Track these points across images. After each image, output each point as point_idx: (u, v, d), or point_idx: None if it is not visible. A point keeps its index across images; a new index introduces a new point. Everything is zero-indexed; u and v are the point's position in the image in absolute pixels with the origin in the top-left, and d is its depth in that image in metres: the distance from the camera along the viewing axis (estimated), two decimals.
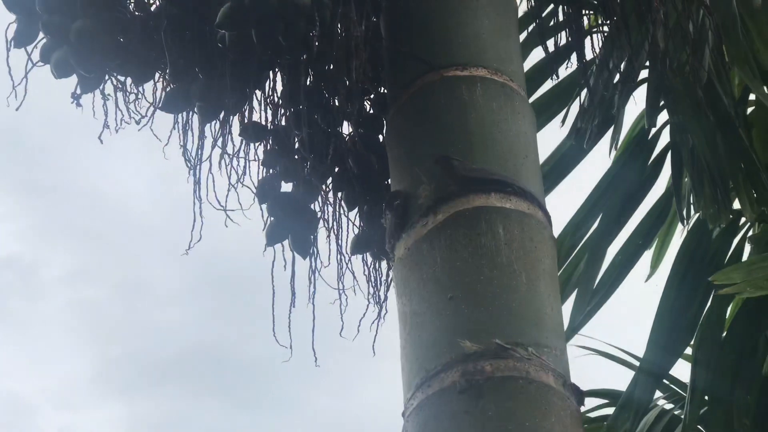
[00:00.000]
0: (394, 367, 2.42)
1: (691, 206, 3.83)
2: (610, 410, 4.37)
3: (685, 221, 3.74)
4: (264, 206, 2.77)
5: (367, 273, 2.80)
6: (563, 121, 3.85)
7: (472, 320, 2.26)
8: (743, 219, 4.08)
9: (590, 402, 4.49)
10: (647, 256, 4.49)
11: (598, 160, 4.10)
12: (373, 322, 2.78)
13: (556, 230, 2.80)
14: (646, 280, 4.42)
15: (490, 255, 2.32)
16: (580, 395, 2.30)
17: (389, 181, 2.63)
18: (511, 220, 2.37)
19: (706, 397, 4.05)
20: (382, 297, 2.79)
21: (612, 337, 4.55)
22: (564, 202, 4.22)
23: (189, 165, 2.76)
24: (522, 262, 2.33)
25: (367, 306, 2.77)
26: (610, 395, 4.46)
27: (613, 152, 3.98)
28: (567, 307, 3.99)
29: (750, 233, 4.09)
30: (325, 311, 2.84)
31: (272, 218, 2.76)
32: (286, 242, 2.78)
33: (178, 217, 2.79)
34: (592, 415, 4.48)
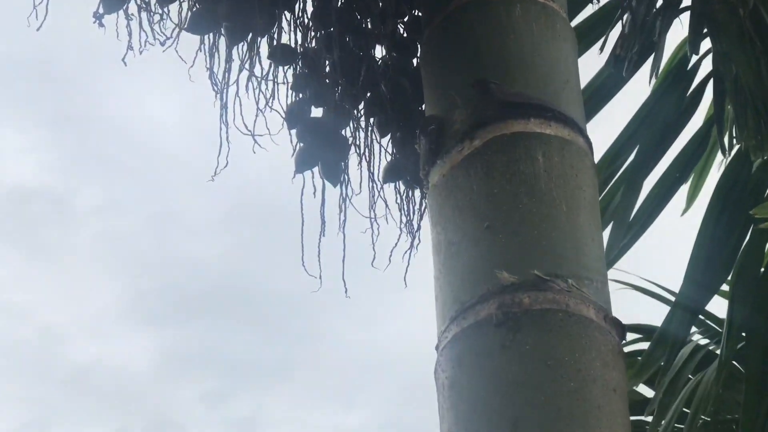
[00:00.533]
0: (424, 299, 2.34)
1: (733, 138, 3.72)
2: (644, 345, 4.30)
3: (727, 152, 3.63)
4: (293, 132, 2.67)
5: (399, 201, 2.71)
6: (602, 48, 3.73)
7: (510, 250, 2.17)
8: None
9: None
10: (683, 190, 4.39)
11: (637, 90, 3.98)
12: (405, 252, 2.69)
13: None
14: (682, 215, 4.33)
15: (529, 183, 2.22)
16: (621, 329, 2.21)
17: (423, 106, 2.53)
18: (550, 146, 2.27)
19: (743, 334, 3.98)
20: (415, 226, 2.70)
21: (648, 273, 4.47)
22: (601, 133, 4.11)
23: (215, 89, 2.66)
24: (562, 190, 2.23)
25: (399, 235, 2.68)
26: (644, 330, 4.39)
27: (653, 81, 3.86)
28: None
29: None
30: (356, 242, 2.76)
31: (301, 144, 2.67)
32: (316, 169, 2.69)
33: (208, 148, 2.71)
34: (627, 349, 4.41)
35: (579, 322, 2.12)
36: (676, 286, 4.12)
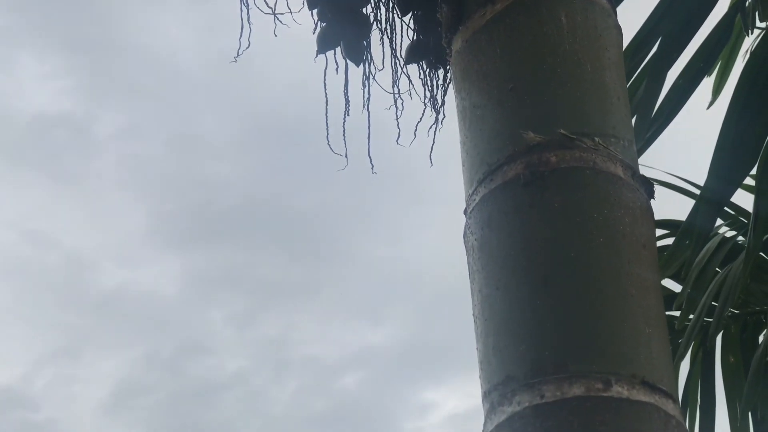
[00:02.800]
0: (447, 212, 2.34)
1: (756, 20, 3.68)
2: (670, 241, 4.30)
3: (751, 30, 3.59)
4: (314, 11, 2.66)
5: (422, 77, 2.69)
6: None
7: (535, 111, 2.16)
8: None
9: None
10: (710, 85, 4.36)
11: None
12: (430, 128, 2.69)
13: None
14: (708, 107, 4.30)
15: (553, 44, 2.21)
16: (650, 188, 2.21)
17: None
18: (573, 7, 2.25)
19: None
20: (439, 101, 2.69)
21: (674, 168, 4.46)
22: (623, 25, 4.07)
23: None
24: (586, 50, 2.22)
25: (424, 110, 2.67)
26: (670, 225, 4.38)
27: None
28: None
29: None
30: (380, 150, 2.74)
31: (323, 24, 2.66)
32: (338, 50, 2.68)
33: (227, 69, 2.69)
34: None
35: (607, 180, 2.12)
36: (702, 180, 4.10)
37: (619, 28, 2.33)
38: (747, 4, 3.60)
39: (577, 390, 1.95)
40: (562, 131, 2.13)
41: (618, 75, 2.26)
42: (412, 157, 2.85)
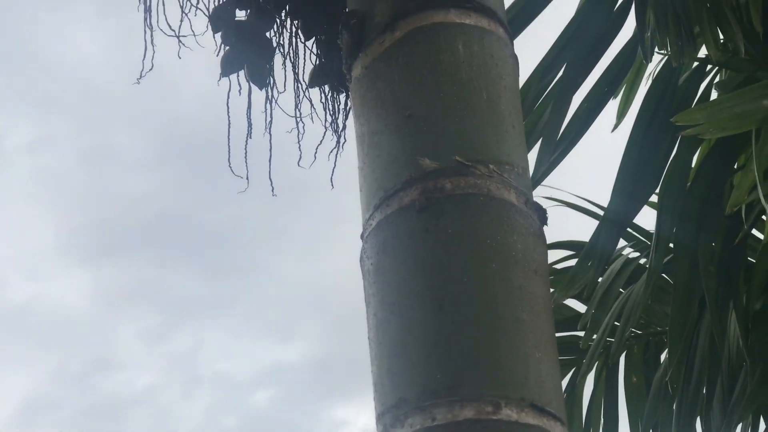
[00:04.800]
0: (358, 230, 2.37)
1: (656, 47, 3.77)
2: (574, 262, 4.36)
3: (654, 63, 3.68)
4: (218, 35, 2.68)
5: (324, 101, 2.72)
6: None
7: (432, 138, 2.20)
8: (709, 66, 4.04)
9: (556, 254, 4.49)
10: (614, 107, 4.45)
11: (565, 6, 4.02)
12: (331, 152, 2.71)
13: (521, 80, 2.72)
14: (613, 130, 4.39)
15: (450, 72, 2.25)
16: (542, 214, 2.25)
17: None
18: (471, 36, 2.29)
19: (671, 245, 4.05)
20: (341, 125, 2.72)
21: (579, 190, 4.53)
22: (529, 51, 4.15)
23: None
24: (483, 79, 2.27)
25: (324, 133, 2.70)
26: (575, 246, 4.46)
27: None
28: (532, 158, 3.95)
29: (717, 79, 4.04)
30: (286, 174, 2.76)
31: (227, 47, 2.68)
32: (242, 73, 2.70)
33: (140, 82, 2.69)
34: (558, 267, 4.48)
35: (500, 206, 2.16)
36: (605, 202, 4.18)
37: (515, 57, 2.38)
38: (646, 35, 3.69)
39: (468, 413, 1.99)
40: (457, 158, 2.16)
41: (514, 103, 2.31)
42: (323, 176, 2.87)
